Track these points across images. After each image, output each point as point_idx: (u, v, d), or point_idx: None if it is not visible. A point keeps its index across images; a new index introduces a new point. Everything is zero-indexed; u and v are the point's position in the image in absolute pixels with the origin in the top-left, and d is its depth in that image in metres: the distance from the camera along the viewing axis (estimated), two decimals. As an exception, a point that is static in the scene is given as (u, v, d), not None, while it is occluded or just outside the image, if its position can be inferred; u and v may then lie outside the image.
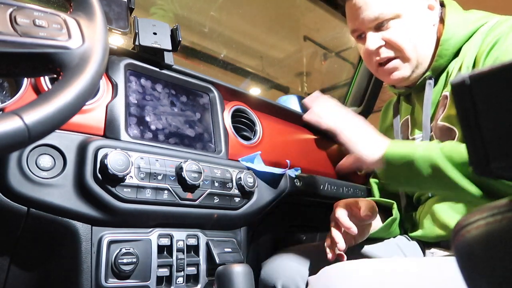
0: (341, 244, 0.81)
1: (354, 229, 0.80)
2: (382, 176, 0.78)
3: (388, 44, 0.87)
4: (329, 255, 0.84)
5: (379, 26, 0.86)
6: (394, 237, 1.00)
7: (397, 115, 1.03)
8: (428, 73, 0.89)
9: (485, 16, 0.86)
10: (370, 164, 0.79)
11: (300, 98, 1.51)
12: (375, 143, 0.78)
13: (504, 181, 0.63)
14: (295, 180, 1.01)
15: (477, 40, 0.81)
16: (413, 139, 0.96)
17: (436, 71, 0.89)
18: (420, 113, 0.93)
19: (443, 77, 0.89)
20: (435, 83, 0.90)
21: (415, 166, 0.70)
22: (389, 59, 0.89)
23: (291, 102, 1.46)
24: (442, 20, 0.90)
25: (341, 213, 0.82)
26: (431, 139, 0.87)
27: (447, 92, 0.85)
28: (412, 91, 0.97)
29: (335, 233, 0.83)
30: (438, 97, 0.88)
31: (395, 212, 0.93)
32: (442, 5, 0.92)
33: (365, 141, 0.79)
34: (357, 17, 0.88)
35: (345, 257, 0.82)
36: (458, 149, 0.67)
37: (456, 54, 0.86)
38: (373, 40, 0.87)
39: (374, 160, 0.77)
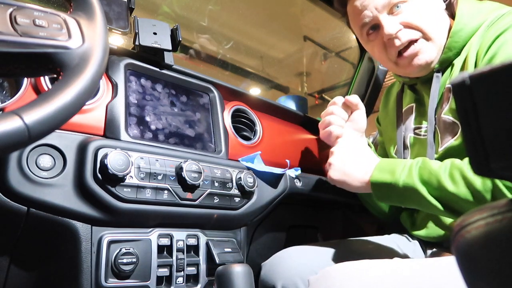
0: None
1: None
2: (372, 194, 0.84)
3: (407, 27, 0.83)
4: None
5: (391, 12, 0.83)
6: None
7: (400, 104, 1.01)
8: (436, 66, 0.87)
9: (498, 8, 0.83)
10: (358, 189, 0.85)
11: (300, 98, 1.51)
12: (362, 169, 0.84)
13: (468, 199, 0.69)
14: (295, 180, 1.01)
15: (481, 35, 0.79)
16: (418, 128, 0.95)
17: (444, 64, 0.86)
18: (425, 105, 0.91)
19: (448, 70, 0.86)
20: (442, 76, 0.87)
21: (398, 191, 0.77)
22: (411, 42, 0.84)
23: (291, 102, 1.46)
24: (454, 12, 0.87)
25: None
26: (435, 131, 0.86)
27: (450, 85, 0.83)
28: (418, 82, 0.94)
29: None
30: (443, 89, 0.87)
31: None
32: None
33: (353, 170, 0.85)
34: (367, 7, 0.84)
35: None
36: (435, 176, 0.73)
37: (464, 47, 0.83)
38: (391, 24, 0.83)
39: (361, 186, 0.84)
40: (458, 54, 0.85)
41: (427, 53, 0.84)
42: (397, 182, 0.77)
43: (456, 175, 0.70)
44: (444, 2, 0.88)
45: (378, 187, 0.80)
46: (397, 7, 0.83)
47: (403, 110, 1.00)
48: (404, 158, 0.96)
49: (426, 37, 0.83)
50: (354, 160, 0.86)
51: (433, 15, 0.84)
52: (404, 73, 0.92)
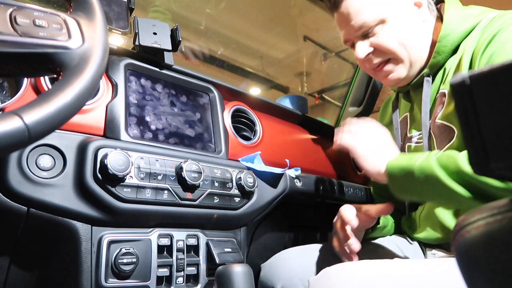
0: (355, 245, 0.84)
1: (354, 222, 0.83)
2: (390, 187, 0.81)
3: (377, 50, 0.87)
4: (345, 257, 0.86)
5: (365, 34, 0.86)
6: (390, 235, 1.00)
7: (396, 112, 1.02)
8: (425, 70, 0.88)
9: (484, 11, 0.85)
10: (376, 178, 0.82)
11: (300, 98, 1.51)
12: (381, 158, 0.82)
13: (494, 184, 0.64)
14: (295, 180, 1.01)
15: (475, 37, 0.81)
16: (411, 137, 0.95)
17: (434, 68, 0.88)
18: (418, 111, 0.92)
19: (440, 74, 0.87)
20: (433, 80, 0.89)
21: (414, 176, 0.73)
22: (381, 63, 0.89)
23: (291, 102, 1.46)
24: (441, 16, 0.89)
25: (347, 209, 0.86)
26: (430, 136, 0.87)
27: (444, 89, 0.84)
28: (410, 88, 0.96)
29: (345, 234, 0.86)
30: (435, 94, 0.88)
31: (382, 219, 0.95)
32: (441, 0, 0.91)
33: (373, 157, 0.83)
34: (343, 28, 0.89)
35: (357, 257, 0.85)
36: (453, 158, 0.69)
37: (455, 51, 0.85)
38: (362, 48, 0.87)
39: (379, 174, 0.81)
40: (448, 57, 0.86)
41: (397, 73, 0.89)
42: (413, 165, 0.73)
43: None
44: (436, 7, 0.91)
45: (393, 172, 0.77)
46: (370, 30, 0.86)
47: (399, 120, 1.01)
48: None
49: (396, 59, 0.87)
50: (372, 151, 0.85)
51: (407, 35, 0.86)
52: (384, 83, 0.96)
